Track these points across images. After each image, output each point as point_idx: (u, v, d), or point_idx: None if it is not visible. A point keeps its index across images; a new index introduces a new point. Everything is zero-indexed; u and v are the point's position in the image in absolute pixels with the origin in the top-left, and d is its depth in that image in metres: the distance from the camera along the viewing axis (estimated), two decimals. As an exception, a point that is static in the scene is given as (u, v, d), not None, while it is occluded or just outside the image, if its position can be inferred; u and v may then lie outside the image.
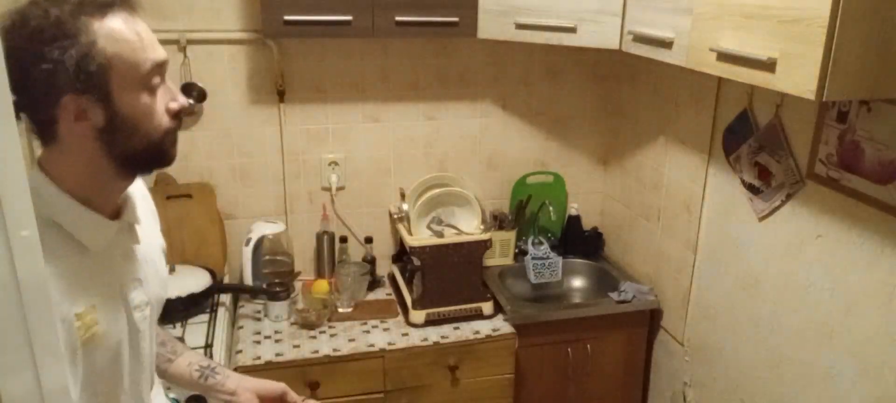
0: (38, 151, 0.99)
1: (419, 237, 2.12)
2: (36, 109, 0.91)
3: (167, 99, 0.99)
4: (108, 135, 0.94)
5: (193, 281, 2.04)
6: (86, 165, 0.96)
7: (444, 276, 2.12)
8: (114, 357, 1.03)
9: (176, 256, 2.16)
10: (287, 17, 1.90)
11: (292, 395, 1.36)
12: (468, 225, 2.16)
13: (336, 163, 2.35)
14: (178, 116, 1.00)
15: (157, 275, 1.15)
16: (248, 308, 2.20)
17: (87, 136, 0.93)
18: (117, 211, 1.04)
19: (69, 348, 0.94)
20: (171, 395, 1.61)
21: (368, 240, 2.42)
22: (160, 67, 0.97)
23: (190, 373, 1.31)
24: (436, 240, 2.10)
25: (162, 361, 1.30)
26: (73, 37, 0.88)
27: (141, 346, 1.10)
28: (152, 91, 0.96)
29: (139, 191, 1.13)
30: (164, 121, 0.98)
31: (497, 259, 2.45)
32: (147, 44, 0.95)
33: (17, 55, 0.84)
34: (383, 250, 2.47)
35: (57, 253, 0.93)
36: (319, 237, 2.36)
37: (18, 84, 0.85)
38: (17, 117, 0.88)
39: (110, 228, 1.01)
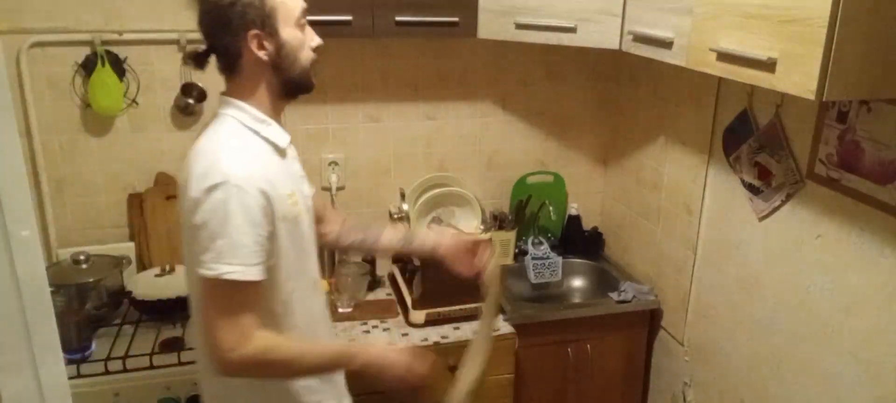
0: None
1: (419, 237, 2.12)
2: (228, 46, 1.28)
3: (311, 37, 1.36)
4: (277, 61, 1.30)
5: (193, 281, 2.04)
6: (263, 88, 1.33)
7: (444, 276, 2.11)
8: (305, 231, 1.40)
9: (176, 256, 2.16)
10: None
11: (484, 246, 1.64)
12: (468, 225, 2.16)
13: (336, 163, 2.35)
14: (318, 51, 1.36)
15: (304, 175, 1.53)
16: (248, 308, 2.20)
17: (263, 64, 1.29)
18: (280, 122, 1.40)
19: (289, 219, 1.32)
20: (169, 395, 1.71)
21: (368, 240, 2.42)
22: (305, 13, 1.34)
23: (394, 244, 1.67)
24: (436, 240, 2.10)
25: (372, 242, 1.67)
26: None
27: (313, 227, 1.47)
28: (302, 29, 1.33)
29: None
30: (310, 53, 1.35)
31: (497, 259, 2.45)
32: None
33: (216, 7, 1.25)
34: (383, 250, 2.46)
35: (265, 154, 1.32)
36: (319, 237, 2.36)
37: (215, 29, 1.28)
38: (206, 60, 1.35)
39: (287, 135, 1.39)
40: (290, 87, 1.36)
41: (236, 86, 1.33)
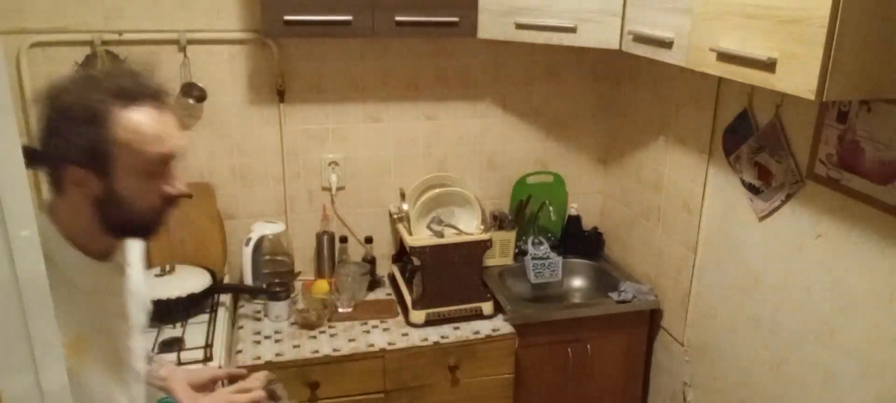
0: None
1: (419, 237, 2.12)
2: (46, 166, 1.05)
3: (167, 184, 1.10)
4: (102, 205, 1.06)
5: (193, 281, 2.04)
6: (82, 219, 1.08)
7: (444, 276, 2.12)
8: (103, 374, 1.15)
9: (176, 256, 2.16)
10: (287, 17, 1.90)
11: (221, 374, 1.47)
12: (468, 225, 2.16)
13: (336, 163, 2.35)
14: (172, 200, 1.11)
15: (141, 304, 1.29)
16: (248, 308, 2.20)
17: (84, 199, 1.05)
18: (108, 253, 1.15)
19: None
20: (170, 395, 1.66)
21: (368, 240, 2.42)
22: (167, 158, 1.08)
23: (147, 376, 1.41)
24: (436, 240, 2.10)
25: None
26: (92, 122, 1.00)
27: (129, 364, 1.22)
28: (153, 177, 1.07)
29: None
30: (157, 203, 1.10)
31: (497, 259, 2.45)
32: (163, 136, 1.06)
33: (45, 121, 1.01)
34: (383, 250, 2.47)
35: (51, 286, 0.93)
36: (319, 237, 2.36)
37: (41, 140, 1.02)
38: (33, 162, 1.01)
39: (99, 270, 1.13)
40: (117, 230, 1.11)
41: (56, 203, 1.09)
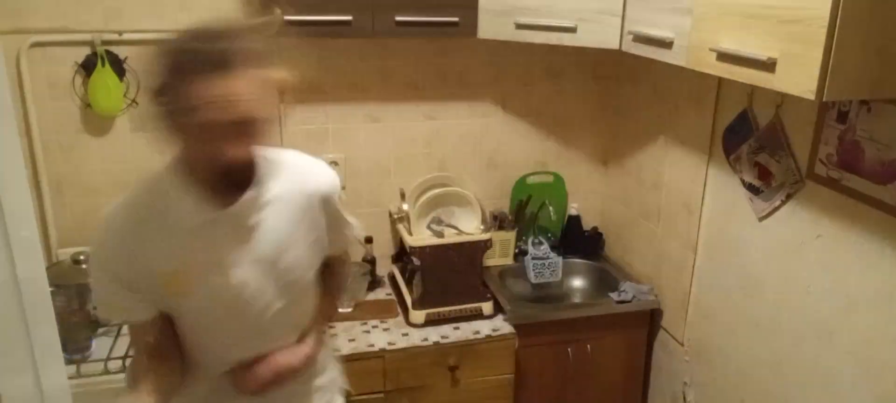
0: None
1: (419, 237, 2.12)
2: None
3: (233, 148, 1.10)
4: (184, 163, 1.17)
5: (193, 281, 2.03)
6: (188, 169, 1.19)
7: (444, 276, 2.12)
8: (211, 301, 1.28)
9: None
10: (287, 18, 1.89)
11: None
12: (468, 225, 2.16)
13: (336, 163, 2.35)
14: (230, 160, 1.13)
15: (274, 240, 1.33)
16: (248, 308, 2.20)
17: (179, 156, 1.17)
18: (226, 200, 1.21)
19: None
20: None
21: (368, 240, 2.42)
22: (235, 122, 1.07)
23: None
24: (436, 240, 2.10)
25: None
26: (155, 96, 1.07)
27: (244, 295, 1.29)
28: (220, 139, 1.08)
29: None
30: (223, 166, 1.13)
31: (497, 259, 2.45)
32: (222, 105, 1.04)
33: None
34: (383, 250, 2.46)
35: (156, 227, 1.21)
36: (319, 237, 2.36)
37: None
38: None
39: (211, 211, 1.20)
40: (208, 183, 1.20)
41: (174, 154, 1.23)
